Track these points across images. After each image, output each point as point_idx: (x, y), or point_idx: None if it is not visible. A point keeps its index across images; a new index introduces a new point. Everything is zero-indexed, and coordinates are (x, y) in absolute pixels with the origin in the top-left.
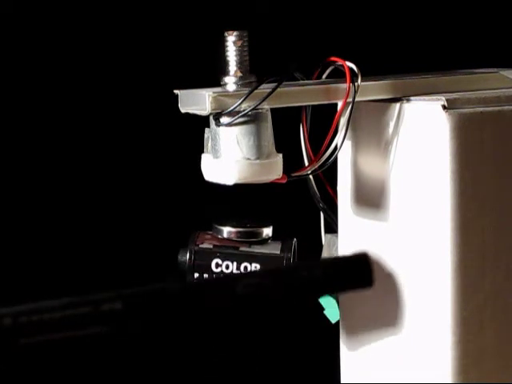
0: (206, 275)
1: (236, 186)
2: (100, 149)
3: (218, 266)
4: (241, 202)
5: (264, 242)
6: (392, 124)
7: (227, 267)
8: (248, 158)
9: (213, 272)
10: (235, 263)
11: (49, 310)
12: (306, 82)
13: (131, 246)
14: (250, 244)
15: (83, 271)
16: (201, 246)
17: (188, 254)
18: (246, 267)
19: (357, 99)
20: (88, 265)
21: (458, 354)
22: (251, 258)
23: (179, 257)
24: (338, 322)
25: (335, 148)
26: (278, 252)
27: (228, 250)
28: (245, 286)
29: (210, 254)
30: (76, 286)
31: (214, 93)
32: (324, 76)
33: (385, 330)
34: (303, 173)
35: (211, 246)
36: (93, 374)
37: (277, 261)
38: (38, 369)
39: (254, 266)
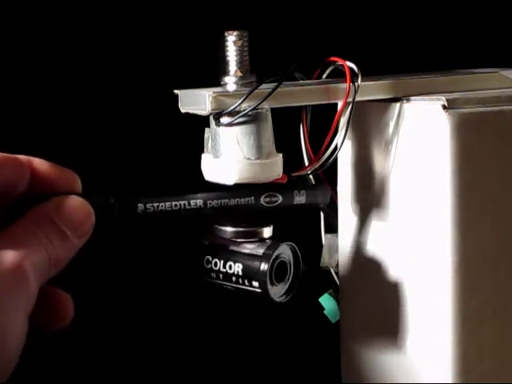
0: (199, 268)
1: (236, 185)
2: (100, 148)
3: (208, 262)
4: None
5: (260, 241)
6: (392, 124)
7: (215, 264)
8: (248, 158)
9: (204, 268)
10: (222, 261)
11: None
12: (306, 82)
13: (131, 246)
14: (243, 243)
15: (85, 275)
16: (201, 242)
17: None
18: (230, 266)
19: (357, 99)
20: (90, 265)
21: (458, 353)
22: (236, 257)
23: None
24: (337, 322)
25: (335, 148)
26: (261, 252)
27: (218, 248)
28: (265, 197)
29: (203, 250)
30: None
31: (214, 93)
32: (324, 76)
33: (385, 329)
34: (303, 173)
35: (207, 243)
36: None
37: (257, 261)
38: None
39: (237, 266)
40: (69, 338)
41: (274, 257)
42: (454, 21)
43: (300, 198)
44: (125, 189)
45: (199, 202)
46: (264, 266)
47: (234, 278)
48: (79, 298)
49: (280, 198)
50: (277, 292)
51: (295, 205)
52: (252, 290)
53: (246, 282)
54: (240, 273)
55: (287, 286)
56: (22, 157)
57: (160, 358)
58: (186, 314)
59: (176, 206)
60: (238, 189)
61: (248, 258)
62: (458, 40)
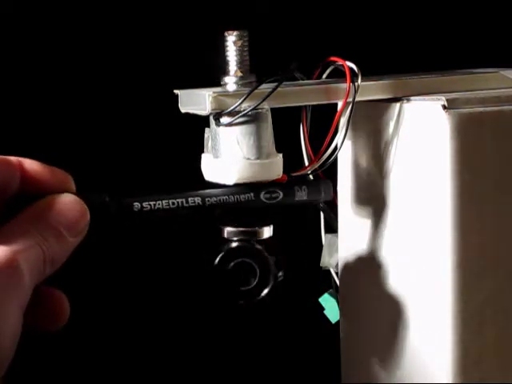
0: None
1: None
2: (100, 149)
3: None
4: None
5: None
6: (392, 124)
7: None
8: (248, 158)
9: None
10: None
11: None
12: (305, 82)
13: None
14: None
15: (81, 275)
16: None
17: None
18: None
19: (357, 99)
20: (86, 264)
21: (458, 353)
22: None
23: None
24: (337, 322)
25: (335, 148)
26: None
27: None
28: (266, 193)
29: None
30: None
31: (214, 93)
32: (324, 76)
33: (385, 329)
34: (303, 173)
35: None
36: None
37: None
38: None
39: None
40: (64, 338)
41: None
42: (454, 21)
43: (301, 194)
44: (121, 187)
45: (197, 199)
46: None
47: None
48: (75, 298)
49: (281, 194)
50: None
51: (297, 201)
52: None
53: None
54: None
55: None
56: (12, 158)
57: (159, 356)
58: (184, 314)
59: (174, 204)
60: (238, 185)
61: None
62: (458, 40)
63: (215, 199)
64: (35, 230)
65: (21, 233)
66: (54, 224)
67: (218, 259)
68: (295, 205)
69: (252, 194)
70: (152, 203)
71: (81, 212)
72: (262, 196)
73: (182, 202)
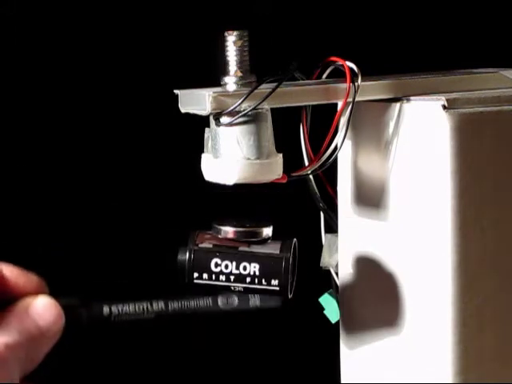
0: (205, 275)
1: (236, 185)
2: (100, 149)
3: (217, 265)
4: (241, 202)
5: (263, 241)
6: (392, 124)
7: (226, 267)
8: (248, 158)
9: (212, 271)
10: (234, 263)
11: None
12: (305, 81)
13: (131, 246)
14: (250, 244)
15: (84, 274)
16: (200, 245)
17: (187, 254)
18: (245, 267)
19: (357, 99)
20: (89, 265)
21: (458, 354)
22: (250, 258)
23: (179, 256)
24: (338, 322)
25: (335, 148)
26: (278, 252)
27: (227, 250)
28: (222, 298)
29: (210, 254)
30: (79, 288)
31: (214, 93)
32: (324, 76)
33: (385, 330)
34: (303, 173)
35: (211, 246)
36: None
37: (276, 261)
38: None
39: (253, 266)
40: None
41: (290, 256)
42: (454, 21)
43: (255, 300)
44: (91, 291)
45: (161, 304)
46: (284, 266)
47: (248, 279)
48: None
49: (236, 300)
50: (290, 289)
51: (251, 307)
52: (270, 289)
53: (263, 281)
54: (257, 273)
55: (293, 281)
56: None
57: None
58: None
59: (140, 308)
60: (237, 185)
61: (265, 258)
62: (458, 40)
63: (177, 305)
64: (16, 331)
65: (4, 331)
66: (31, 326)
67: (289, 261)
68: (250, 310)
69: (210, 299)
70: (120, 307)
71: (56, 315)
72: (220, 301)
73: (146, 306)
